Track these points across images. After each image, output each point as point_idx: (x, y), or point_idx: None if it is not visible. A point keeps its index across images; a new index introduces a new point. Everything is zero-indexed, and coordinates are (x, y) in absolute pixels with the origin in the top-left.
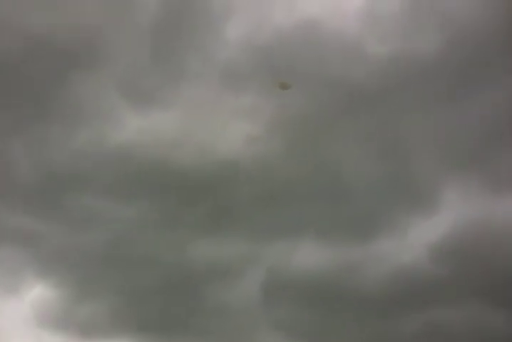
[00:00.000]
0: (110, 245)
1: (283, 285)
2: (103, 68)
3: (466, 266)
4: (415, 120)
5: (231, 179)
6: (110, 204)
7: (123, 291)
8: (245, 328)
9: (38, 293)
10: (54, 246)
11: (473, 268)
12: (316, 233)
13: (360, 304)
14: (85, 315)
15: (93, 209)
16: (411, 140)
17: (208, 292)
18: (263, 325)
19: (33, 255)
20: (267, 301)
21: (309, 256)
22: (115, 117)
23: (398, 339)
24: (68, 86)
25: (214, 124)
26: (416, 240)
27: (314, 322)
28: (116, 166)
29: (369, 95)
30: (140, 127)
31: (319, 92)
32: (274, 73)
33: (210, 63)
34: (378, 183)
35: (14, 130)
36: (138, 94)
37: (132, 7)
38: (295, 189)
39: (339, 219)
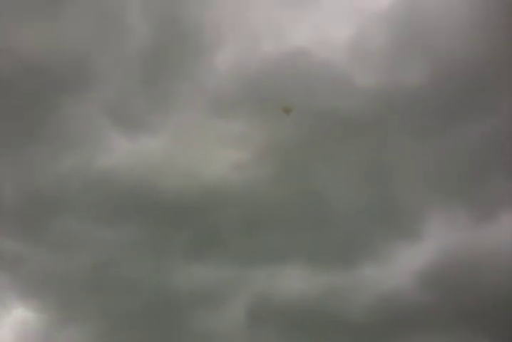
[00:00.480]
0: (94, 269)
1: (268, 310)
2: (92, 92)
3: (450, 292)
4: (402, 150)
5: (217, 204)
6: (95, 227)
7: (105, 315)
8: None
9: (19, 315)
10: (37, 269)
11: (457, 294)
12: (302, 259)
13: (345, 330)
14: (68, 338)
15: (77, 232)
16: (397, 170)
17: (193, 317)
18: None
19: (15, 278)
20: (253, 326)
21: (294, 281)
22: (103, 142)
23: None
24: (57, 110)
25: (202, 150)
26: (400, 267)
27: None
28: (102, 190)
29: (356, 125)
30: (128, 151)
31: (307, 121)
32: (263, 101)
33: (199, 90)
34: (364, 210)
35: (0, 152)
36: (127, 119)
37: (123, 33)
38: (281, 216)
39: (324, 246)
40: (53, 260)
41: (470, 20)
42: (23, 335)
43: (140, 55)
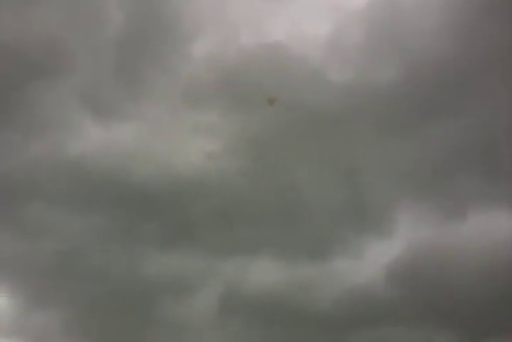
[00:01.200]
0: (63, 255)
1: (238, 301)
2: (66, 78)
3: (417, 288)
4: (373, 146)
5: (190, 194)
6: (65, 214)
7: (73, 301)
8: None
9: None
10: (6, 254)
11: (423, 290)
12: (274, 251)
13: (313, 321)
14: (37, 324)
15: (47, 218)
16: (369, 165)
17: (162, 306)
18: (215, 340)
19: None
20: (222, 316)
21: (265, 273)
22: (75, 128)
23: None
24: (29, 94)
25: (174, 139)
26: (370, 261)
27: (268, 338)
28: (73, 176)
29: (329, 120)
30: (100, 138)
31: (281, 114)
32: (238, 92)
33: (174, 80)
34: (336, 206)
35: None
36: (100, 106)
37: (100, 21)
38: (254, 208)
39: (295, 238)
40: (21, 246)
41: (446, 21)
42: None
43: (115, 43)
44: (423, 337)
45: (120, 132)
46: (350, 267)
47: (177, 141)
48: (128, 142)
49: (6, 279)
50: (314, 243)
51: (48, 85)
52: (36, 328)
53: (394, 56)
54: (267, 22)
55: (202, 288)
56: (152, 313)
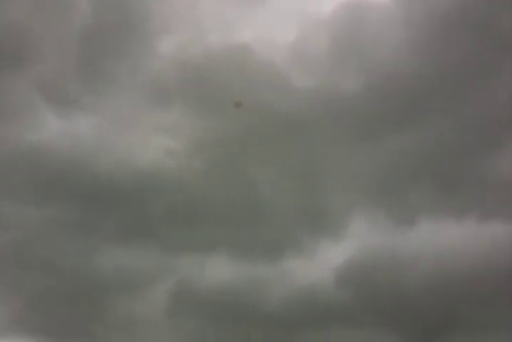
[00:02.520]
0: (14, 246)
1: (191, 298)
2: (27, 67)
3: (366, 289)
4: (332, 152)
5: (148, 191)
6: (18, 205)
7: (23, 293)
8: (148, 338)
9: None
10: None
11: (371, 291)
12: (229, 250)
13: (264, 320)
14: None
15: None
16: (327, 171)
17: (113, 301)
18: (167, 336)
19: None
20: (173, 312)
21: (218, 271)
22: (34, 118)
23: None
24: None
25: (135, 135)
26: (321, 263)
27: (219, 336)
28: (29, 166)
29: (291, 125)
30: (59, 129)
31: (243, 117)
32: (201, 92)
33: (137, 75)
34: (292, 208)
35: None
36: (61, 97)
37: (67, 12)
38: (211, 207)
39: (252, 238)
40: None
41: (408, 33)
42: None
43: (80, 34)
44: (369, 338)
45: (81, 125)
46: (302, 268)
47: (139, 137)
48: (87, 135)
49: None
50: (269, 243)
51: (9, 74)
52: None
53: (357, 65)
54: (235, 25)
55: (156, 284)
56: (103, 307)
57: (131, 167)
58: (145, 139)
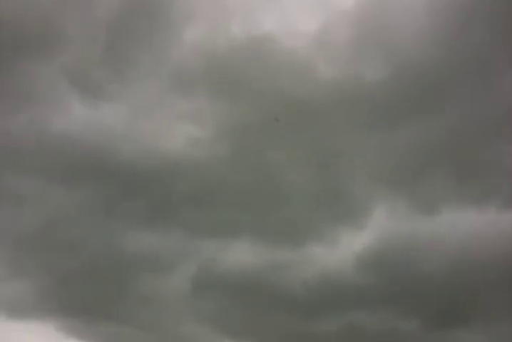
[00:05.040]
0: (44, 226)
1: (212, 280)
2: (55, 54)
3: (385, 274)
4: (355, 140)
5: (173, 175)
6: (47, 186)
7: (51, 272)
8: (171, 318)
9: None
10: None
11: (391, 277)
12: (251, 234)
13: (285, 303)
14: (12, 293)
15: (29, 190)
16: (349, 158)
17: (138, 281)
18: (189, 317)
19: None
20: (196, 294)
21: (241, 255)
22: (62, 104)
23: (318, 337)
24: (19, 70)
25: (160, 122)
26: (343, 249)
27: (239, 317)
28: (58, 150)
29: (313, 112)
30: (86, 116)
31: (265, 103)
32: (224, 80)
33: (162, 64)
34: (314, 194)
35: None
36: (88, 85)
37: (94, 2)
38: (234, 192)
39: (273, 223)
40: (2, 215)
41: (431, 23)
42: None
43: (106, 22)
44: (389, 322)
45: (107, 112)
46: (324, 253)
47: (162, 123)
48: (113, 122)
49: None
50: (291, 228)
51: (38, 61)
52: (9, 297)
53: (379, 55)
54: (258, 13)
55: (179, 266)
56: (127, 287)
57: (156, 153)
58: (170, 126)
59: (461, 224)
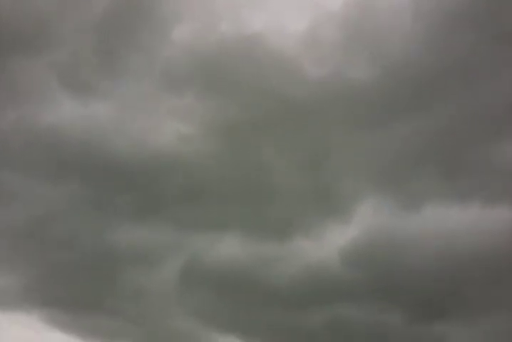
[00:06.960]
0: (32, 220)
1: (201, 274)
2: (45, 52)
3: (370, 269)
4: (342, 137)
5: (162, 171)
6: (36, 182)
7: (38, 266)
8: (159, 311)
9: None
10: None
11: (376, 271)
12: (239, 229)
13: (272, 297)
14: None
15: (18, 186)
16: (336, 155)
17: (126, 275)
18: (177, 310)
19: None
20: (184, 288)
21: (228, 249)
22: (50, 101)
23: (304, 331)
24: (7, 66)
25: (149, 119)
26: (328, 243)
27: (227, 311)
28: (46, 146)
29: (301, 110)
30: (74, 112)
31: (253, 102)
32: (213, 78)
33: (151, 61)
34: (301, 189)
35: None
36: (76, 82)
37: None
38: (223, 187)
39: (260, 219)
40: None
41: (419, 23)
42: None
43: (96, 22)
44: (374, 315)
45: (96, 109)
46: (310, 248)
47: (151, 120)
48: (103, 118)
49: None
50: (279, 223)
51: (28, 58)
52: None
53: (367, 55)
54: (247, 13)
55: (168, 260)
56: (115, 281)
57: (146, 149)
58: (159, 123)
59: (445, 220)
